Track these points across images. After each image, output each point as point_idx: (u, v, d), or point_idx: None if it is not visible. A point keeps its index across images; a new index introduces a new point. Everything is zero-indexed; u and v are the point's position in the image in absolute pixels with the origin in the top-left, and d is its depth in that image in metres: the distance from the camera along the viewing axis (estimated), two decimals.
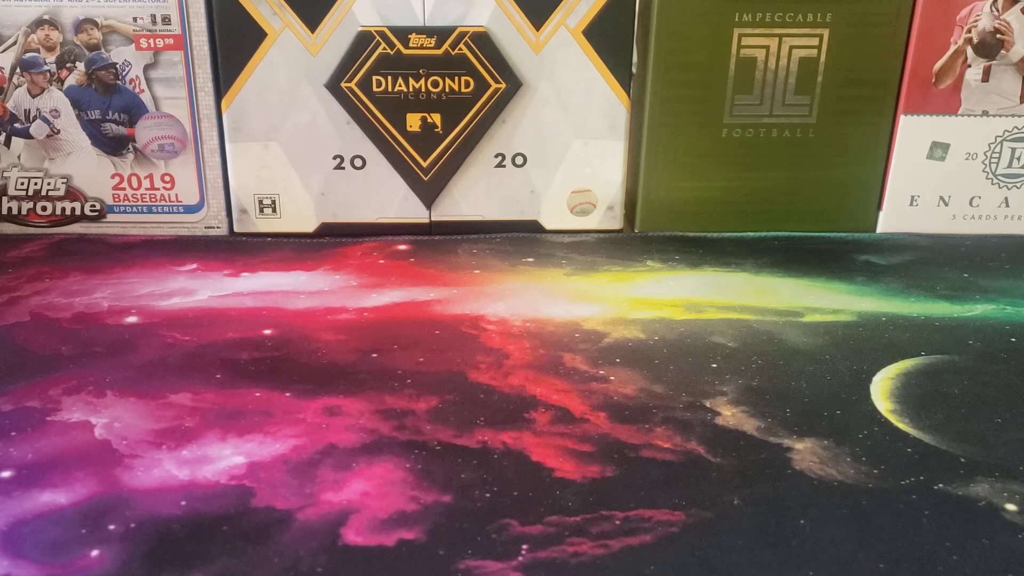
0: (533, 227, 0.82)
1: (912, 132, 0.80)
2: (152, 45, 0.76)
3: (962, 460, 0.49)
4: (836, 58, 0.78)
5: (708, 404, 0.54)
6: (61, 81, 0.77)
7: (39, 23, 0.76)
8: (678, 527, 0.44)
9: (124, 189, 0.80)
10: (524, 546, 0.42)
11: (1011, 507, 0.45)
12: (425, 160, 0.79)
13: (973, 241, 0.81)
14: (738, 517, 0.44)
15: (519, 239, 0.81)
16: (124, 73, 0.77)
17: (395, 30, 0.76)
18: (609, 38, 0.78)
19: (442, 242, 0.80)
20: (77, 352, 0.60)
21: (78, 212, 0.81)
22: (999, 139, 0.80)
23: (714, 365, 0.59)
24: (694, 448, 0.50)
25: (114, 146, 0.79)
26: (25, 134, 0.79)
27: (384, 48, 0.76)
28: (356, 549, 0.42)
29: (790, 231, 0.83)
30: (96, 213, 0.81)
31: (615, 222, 0.83)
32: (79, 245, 0.78)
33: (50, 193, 0.80)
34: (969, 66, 0.78)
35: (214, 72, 0.77)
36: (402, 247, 0.79)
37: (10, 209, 0.80)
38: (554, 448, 0.50)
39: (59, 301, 0.67)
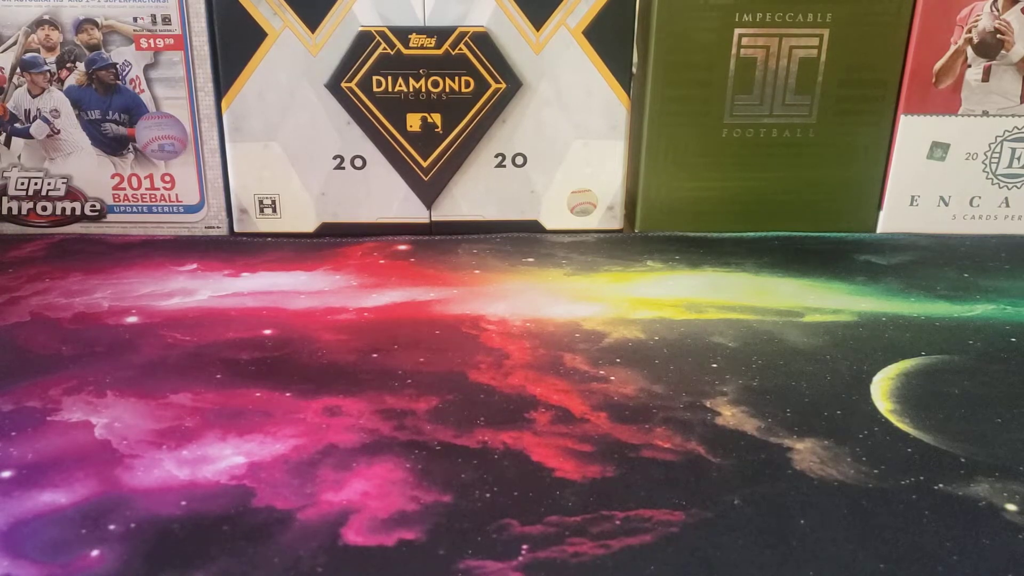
0: (533, 227, 0.82)
1: (912, 132, 0.80)
2: (152, 45, 0.76)
3: (962, 460, 0.49)
4: (836, 58, 0.78)
5: (708, 404, 0.54)
6: (61, 81, 0.77)
7: (39, 23, 0.76)
8: (678, 527, 0.44)
9: (124, 189, 0.80)
10: (524, 546, 0.42)
11: (1011, 507, 0.45)
12: (425, 160, 0.79)
13: (973, 241, 0.81)
14: (738, 517, 0.44)
15: (519, 239, 0.81)
16: (124, 73, 0.77)
17: (395, 30, 0.76)
18: (609, 38, 0.78)
19: (442, 242, 0.80)
20: (77, 352, 0.60)
21: (78, 212, 0.81)
22: (999, 139, 0.80)
23: (714, 365, 0.59)
24: (694, 448, 0.50)
25: (114, 146, 0.79)
26: (25, 134, 0.79)
27: (384, 48, 0.76)
28: (356, 549, 0.42)
29: (790, 231, 0.83)
30: (96, 213, 0.81)
31: (615, 222, 0.83)
32: (79, 245, 0.78)
33: (50, 193, 0.80)
34: (969, 66, 0.78)
35: (214, 72, 0.77)
36: (402, 247, 0.79)
37: (10, 209, 0.80)
38: (554, 448, 0.50)
39: (59, 301, 0.67)
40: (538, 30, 0.77)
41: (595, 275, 0.73)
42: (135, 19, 0.76)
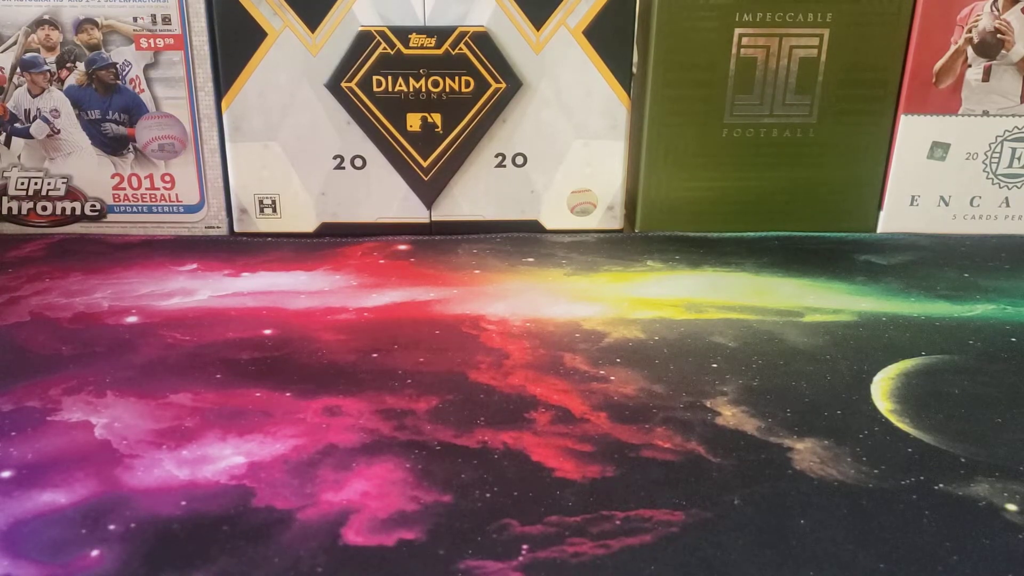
0: (533, 227, 0.82)
1: (912, 132, 0.80)
2: (152, 45, 0.76)
3: (962, 460, 0.49)
4: (836, 58, 0.78)
5: (708, 404, 0.54)
6: (61, 81, 0.77)
7: (39, 23, 0.76)
8: (678, 527, 0.44)
9: (124, 189, 0.80)
10: (524, 546, 0.42)
11: (1011, 507, 0.45)
12: (425, 160, 0.79)
13: (973, 241, 0.81)
14: (738, 517, 0.44)
15: (519, 239, 0.81)
16: (124, 73, 0.77)
17: (395, 30, 0.76)
18: (609, 38, 0.78)
19: (442, 242, 0.80)
20: (77, 352, 0.60)
21: (78, 212, 0.81)
22: (999, 139, 0.80)
23: (714, 365, 0.59)
24: (694, 448, 0.50)
25: (114, 146, 0.79)
26: (25, 134, 0.79)
27: (384, 48, 0.76)
28: (356, 549, 0.42)
29: (790, 231, 0.83)
30: (96, 213, 0.81)
31: (615, 222, 0.83)
32: (79, 245, 0.78)
33: (50, 193, 0.80)
34: (969, 66, 0.78)
35: (214, 72, 0.77)
36: (402, 247, 0.79)
37: (10, 209, 0.80)
38: (554, 448, 0.50)
39: (59, 301, 0.67)
40: (538, 30, 0.77)
41: (595, 275, 0.73)
42: (135, 19, 0.76)
